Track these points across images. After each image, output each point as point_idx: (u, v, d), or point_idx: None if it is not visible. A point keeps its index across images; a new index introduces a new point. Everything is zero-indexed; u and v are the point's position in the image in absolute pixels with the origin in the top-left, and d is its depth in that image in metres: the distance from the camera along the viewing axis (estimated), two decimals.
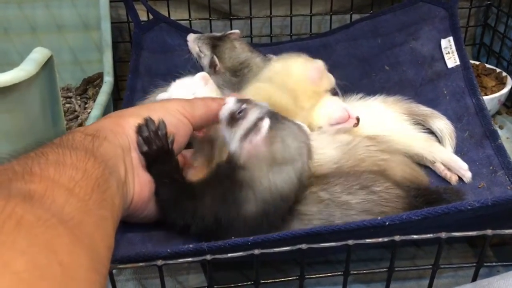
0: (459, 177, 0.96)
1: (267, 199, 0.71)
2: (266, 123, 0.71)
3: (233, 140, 0.74)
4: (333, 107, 0.99)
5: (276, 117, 0.75)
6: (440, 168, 0.98)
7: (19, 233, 0.40)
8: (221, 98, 0.83)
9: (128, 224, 0.75)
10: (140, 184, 0.70)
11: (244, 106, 0.76)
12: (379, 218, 0.62)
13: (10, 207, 0.42)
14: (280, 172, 0.71)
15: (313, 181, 0.78)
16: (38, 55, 0.78)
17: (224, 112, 0.78)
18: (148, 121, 0.72)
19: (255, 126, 0.73)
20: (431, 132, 1.06)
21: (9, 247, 0.39)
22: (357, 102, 1.07)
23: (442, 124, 1.04)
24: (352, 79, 1.25)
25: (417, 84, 1.18)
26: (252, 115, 0.75)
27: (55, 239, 0.43)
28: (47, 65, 0.80)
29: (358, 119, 0.97)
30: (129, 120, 0.71)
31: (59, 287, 0.41)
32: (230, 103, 0.78)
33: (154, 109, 0.75)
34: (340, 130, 0.96)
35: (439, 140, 1.04)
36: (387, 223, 0.62)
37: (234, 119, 0.76)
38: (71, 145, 0.59)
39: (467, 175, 0.94)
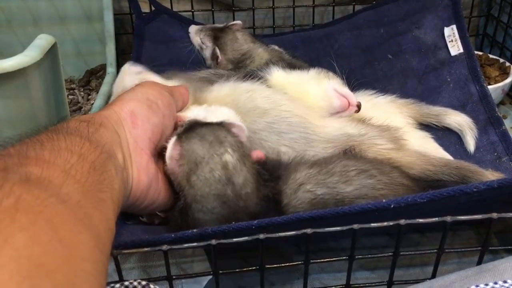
0: None
1: (207, 207, 0.71)
2: (169, 146, 0.73)
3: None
4: (332, 96, 0.97)
5: (190, 128, 0.75)
6: None
7: (17, 211, 0.40)
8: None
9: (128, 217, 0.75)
10: (138, 170, 0.70)
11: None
12: (384, 201, 0.62)
13: (8, 187, 0.42)
14: (198, 180, 0.71)
15: (306, 179, 0.76)
16: (42, 42, 0.78)
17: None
18: None
19: None
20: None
21: (8, 224, 0.39)
22: (365, 98, 1.06)
23: (459, 118, 1.03)
24: (355, 68, 1.25)
25: (420, 73, 1.18)
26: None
27: (55, 217, 0.43)
28: (51, 52, 0.80)
29: (359, 106, 0.96)
30: (124, 106, 0.72)
31: (63, 264, 0.40)
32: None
33: (137, 90, 0.78)
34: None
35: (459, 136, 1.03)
36: (392, 206, 0.61)
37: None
38: (65, 131, 0.59)
39: None
